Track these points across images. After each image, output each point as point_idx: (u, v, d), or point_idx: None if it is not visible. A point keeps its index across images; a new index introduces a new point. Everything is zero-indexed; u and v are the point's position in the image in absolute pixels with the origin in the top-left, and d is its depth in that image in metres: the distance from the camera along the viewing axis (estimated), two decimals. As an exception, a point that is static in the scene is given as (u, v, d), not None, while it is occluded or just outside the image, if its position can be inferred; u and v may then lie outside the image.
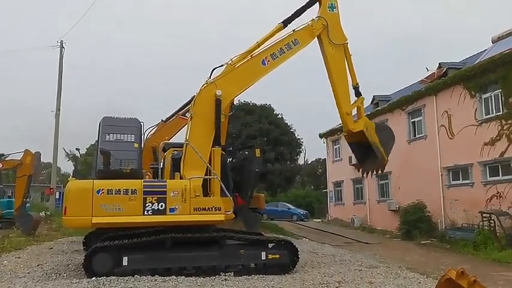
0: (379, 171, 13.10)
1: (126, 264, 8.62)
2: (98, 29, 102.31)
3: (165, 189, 9.11)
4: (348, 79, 11.89)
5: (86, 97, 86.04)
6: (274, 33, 11.26)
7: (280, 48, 10.96)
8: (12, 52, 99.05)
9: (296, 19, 11.53)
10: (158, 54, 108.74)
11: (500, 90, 17.03)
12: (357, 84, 12.12)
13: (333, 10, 11.71)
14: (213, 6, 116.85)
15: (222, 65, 10.79)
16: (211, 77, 10.53)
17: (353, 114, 12.21)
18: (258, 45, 11.02)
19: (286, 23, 11.37)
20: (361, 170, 13.19)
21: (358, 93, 12.19)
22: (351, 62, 11.91)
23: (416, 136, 22.50)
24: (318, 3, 11.78)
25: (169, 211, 9.00)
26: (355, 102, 12.12)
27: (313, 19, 11.54)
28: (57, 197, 31.18)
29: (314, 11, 11.85)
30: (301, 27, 11.35)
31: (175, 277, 8.47)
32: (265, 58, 10.78)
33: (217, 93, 10.04)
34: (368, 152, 12.17)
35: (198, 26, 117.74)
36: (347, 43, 11.80)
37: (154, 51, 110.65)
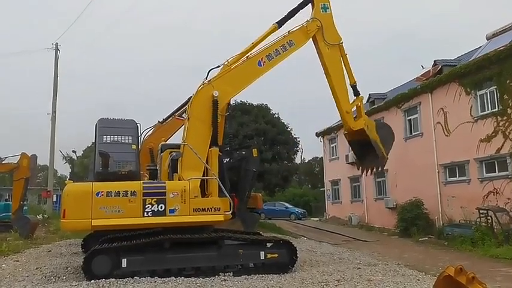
0: (379, 169, 13.16)
1: (126, 266, 8.64)
2: (92, 30, 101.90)
3: (164, 191, 9.12)
4: (345, 78, 11.96)
5: (82, 99, 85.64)
6: (269, 34, 11.29)
7: (276, 49, 11.02)
8: (5, 56, 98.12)
9: (290, 20, 11.56)
10: (156, 55, 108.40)
11: (495, 86, 17.10)
12: (355, 82, 12.18)
13: (326, 11, 11.78)
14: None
15: (219, 66, 10.81)
16: (208, 78, 10.55)
17: (353, 113, 12.27)
18: (253, 46, 11.06)
19: (280, 23, 11.41)
20: (360, 168, 13.25)
21: (356, 92, 12.26)
22: (347, 61, 11.97)
23: (413, 134, 22.55)
24: (310, 4, 11.82)
25: (169, 212, 9.02)
26: (354, 101, 12.22)
27: (307, 20, 11.59)
28: (54, 199, 31.10)
29: (309, 11, 11.89)
30: (296, 28, 11.41)
31: (174, 278, 8.51)
32: (261, 59, 10.82)
33: (214, 94, 10.06)
34: (367, 150, 12.25)
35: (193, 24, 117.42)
36: (342, 43, 11.87)
37: (152, 52, 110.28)
